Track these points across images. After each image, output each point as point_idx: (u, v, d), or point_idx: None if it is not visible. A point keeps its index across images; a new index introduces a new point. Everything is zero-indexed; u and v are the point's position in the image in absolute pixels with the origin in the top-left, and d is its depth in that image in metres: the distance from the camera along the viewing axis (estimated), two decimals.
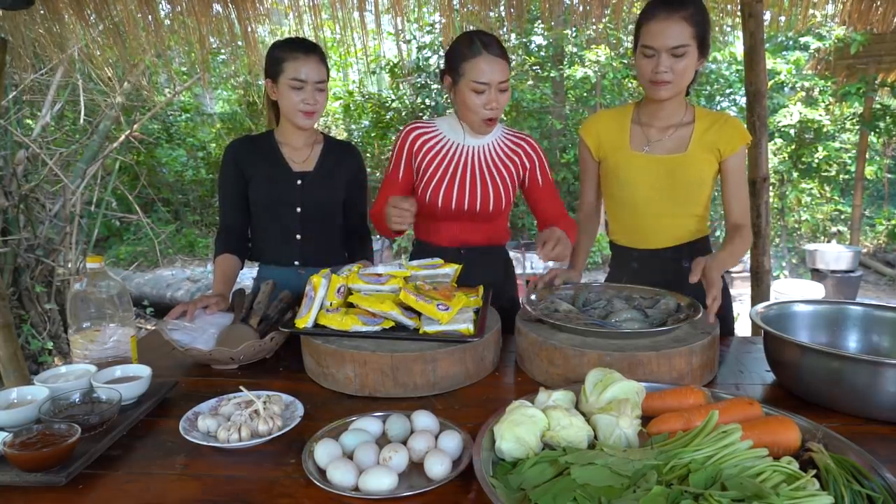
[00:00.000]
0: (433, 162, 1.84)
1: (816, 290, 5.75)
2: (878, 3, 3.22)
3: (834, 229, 8.40)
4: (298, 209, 1.93)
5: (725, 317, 1.81)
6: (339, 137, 2.14)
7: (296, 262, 1.97)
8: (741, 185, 1.76)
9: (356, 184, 2.04)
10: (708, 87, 8.15)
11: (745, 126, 1.84)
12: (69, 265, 4.38)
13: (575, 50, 8.16)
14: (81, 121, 4.96)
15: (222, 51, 5.81)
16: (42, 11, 3.31)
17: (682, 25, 1.57)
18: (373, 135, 8.56)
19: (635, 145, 1.79)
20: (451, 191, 1.82)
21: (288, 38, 1.90)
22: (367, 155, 8.51)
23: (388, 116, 8.57)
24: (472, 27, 3.69)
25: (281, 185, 1.92)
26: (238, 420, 1.15)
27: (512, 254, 2.08)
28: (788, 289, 5.62)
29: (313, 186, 1.94)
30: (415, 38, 8.07)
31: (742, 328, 2.05)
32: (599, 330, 1.41)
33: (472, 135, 1.85)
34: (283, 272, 1.95)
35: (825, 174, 8.14)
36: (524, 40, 8.37)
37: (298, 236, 1.96)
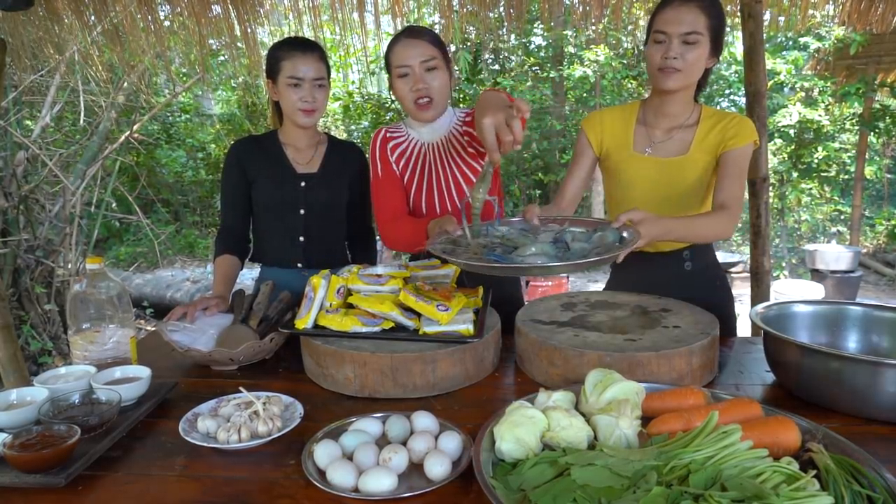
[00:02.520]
0: (407, 165, 1.85)
1: (816, 290, 5.75)
2: (878, 3, 3.22)
3: (834, 229, 8.41)
4: (302, 211, 1.93)
5: (727, 316, 1.80)
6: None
7: (299, 265, 1.97)
8: (735, 175, 1.64)
9: (360, 184, 2.03)
10: (708, 88, 8.15)
11: None
12: (69, 266, 4.38)
13: (574, 50, 8.16)
14: (81, 122, 4.96)
15: (222, 52, 5.82)
16: (41, 12, 3.31)
17: (696, 13, 1.56)
18: (372, 136, 8.57)
19: (638, 147, 1.77)
20: (439, 194, 1.82)
21: (286, 38, 1.90)
22: (367, 156, 8.49)
23: (387, 117, 8.58)
24: (471, 28, 3.69)
25: (284, 187, 1.91)
26: (238, 421, 1.15)
27: None
28: (788, 289, 5.62)
29: (317, 188, 1.93)
30: None
31: (742, 328, 2.05)
32: (490, 265, 1.23)
33: (426, 127, 1.82)
34: (285, 273, 1.95)
35: (825, 174, 8.15)
36: (524, 41, 8.37)
37: (301, 238, 1.95)
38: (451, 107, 1.86)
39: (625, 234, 1.37)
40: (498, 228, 1.46)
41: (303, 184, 1.92)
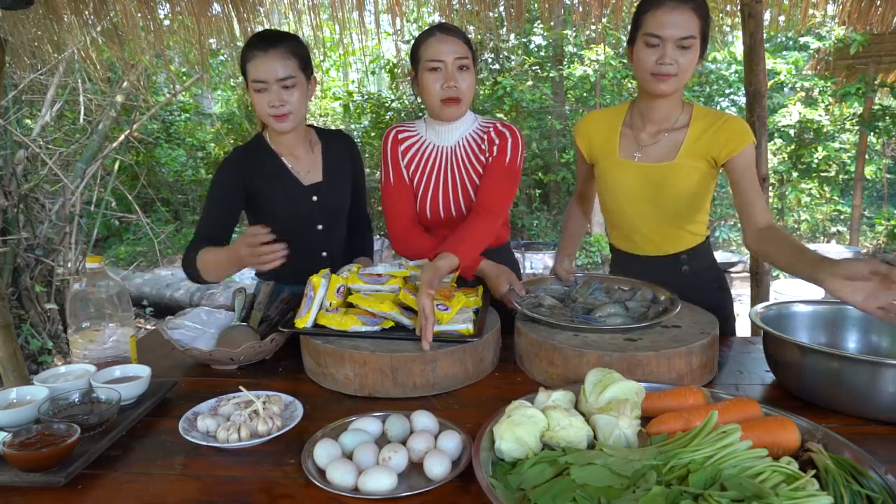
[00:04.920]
0: (417, 168, 1.80)
1: (816, 290, 5.75)
2: (878, 3, 3.22)
3: (833, 229, 8.42)
4: (320, 227, 1.83)
5: (726, 317, 1.80)
6: None
7: None
8: (752, 183, 1.59)
9: (356, 175, 1.94)
10: (708, 88, 8.16)
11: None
12: (69, 265, 4.38)
13: (574, 50, 8.16)
14: (81, 121, 4.96)
15: (222, 51, 5.81)
16: (41, 11, 3.31)
17: (689, 16, 1.50)
18: (372, 135, 8.56)
19: (624, 152, 1.71)
20: (444, 199, 1.78)
21: (253, 34, 1.73)
22: (367, 156, 8.51)
23: (387, 116, 8.57)
24: (471, 27, 3.69)
25: (296, 205, 1.79)
26: (237, 420, 1.15)
27: None
28: (788, 289, 5.62)
29: (328, 198, 1.83)
30: (414, 38, 8.07)
31: (742, 328, 2.05)
32: (584, 326, 1.45)
33: (445, 127, 1.78)
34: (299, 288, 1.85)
35: (825, 174, 8.15)
36: (524, 40, 8.37)
37: (324, 253, 1.87)
38: (471, 112, 1.83)
39: (656, 294, 1.64)
40: (551, 287, 1.78)
41: (315, 198, 1.81)
